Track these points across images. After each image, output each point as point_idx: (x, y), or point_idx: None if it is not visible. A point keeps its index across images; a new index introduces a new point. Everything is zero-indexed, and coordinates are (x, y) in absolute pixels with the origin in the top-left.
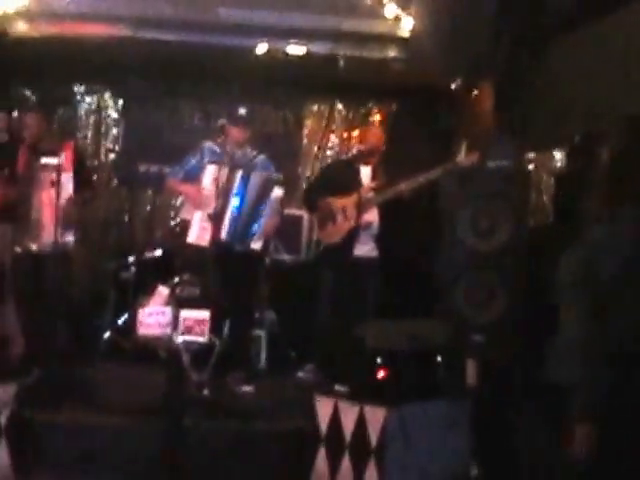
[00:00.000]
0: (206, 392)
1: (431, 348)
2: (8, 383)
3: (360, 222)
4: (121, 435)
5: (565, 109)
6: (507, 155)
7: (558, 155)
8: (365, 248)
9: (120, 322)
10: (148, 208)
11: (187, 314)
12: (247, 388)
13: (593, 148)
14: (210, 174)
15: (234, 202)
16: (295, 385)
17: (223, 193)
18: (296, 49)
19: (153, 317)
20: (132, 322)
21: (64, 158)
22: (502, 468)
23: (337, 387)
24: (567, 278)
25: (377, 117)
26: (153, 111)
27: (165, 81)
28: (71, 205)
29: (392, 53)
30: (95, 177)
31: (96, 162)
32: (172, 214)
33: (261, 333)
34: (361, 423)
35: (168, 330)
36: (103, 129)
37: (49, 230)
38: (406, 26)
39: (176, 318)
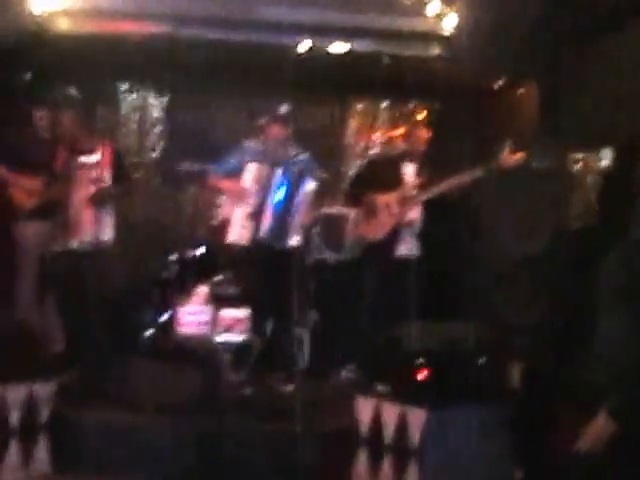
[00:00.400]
0: (246, 391)
1: (473, 350)
2: (48, 381)
3: (403, 219)
4: (159, 434)
5: (612, 108)
6: (551, 155)
7: (605, 155)
8: (407, 247)
9: (160, 321)
10: (190, 206)
11: (226, 313)
12: (287, 388)
13: None
14: (251, 173)
15: (274, 201)
16: (336, 385)
17: (263, 192)
18: (339, 47)
19: (193, 316)
20: (172, 321)
21: (102, 157)
22: (545, 472)
23: (378, 387)
24: (609, 280)
25: (421, 115)
26: (196, 109)
27: (207, 79)
28: (108, 200)
29: (435, 51)
30: (137, 175)
31: (138, 160)
32: (214, 213)
33: (303, 332)
34: (402, 424)
35: (207, 329)
36: (146, 127)
37: (88, 228)
38: (449, 24)
39: (216, 317)
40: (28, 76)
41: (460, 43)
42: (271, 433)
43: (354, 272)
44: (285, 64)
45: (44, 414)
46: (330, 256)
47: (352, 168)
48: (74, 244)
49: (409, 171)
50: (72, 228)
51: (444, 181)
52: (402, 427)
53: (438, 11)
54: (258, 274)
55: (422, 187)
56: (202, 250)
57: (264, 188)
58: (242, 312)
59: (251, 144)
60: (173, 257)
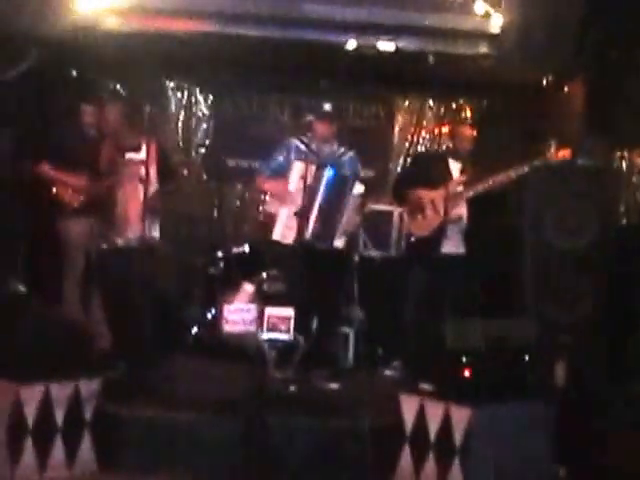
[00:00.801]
0: (292, 389)
1: (517, 348)
2: (94, 378)
3: (449, 216)
4: (204, 432)
5: None
6: (597, 153)
7: None
8: (453, 244)
9: (206, 318)
10: (237, 203)
11: (272, 311)
12: (332, 385)
13: None
14: (297, 171)
15: (320, 201)
16: (381, 383)
17: (309, 191)
18: (386, 45)
19: (238, 314)
20: (218, 318)
21: (148, 154)
22: (589, 471)
23: (422, 385)
24: None
25: (468, 113)
26: (242, 107)
27: (254, 77)
28: (155, 198)
29: (482, 49)
30: (185, 172)
31: (185, 157)
32: (260, 209)
33: (349, 330)
34: (446, 422)
35: (253, 327)
36: (193, 124)
37: (135, 225)
38: (496, 22)
39: (261, 315)
40: (75, 73)
41: (507, 41)
42: (316, 431)
43: (399, 269)
44: (332, 62)
45: (89, 412)
46: (376, 253)
47: (398, 165)
48: (120, 241)
49: (455, 169)
50: (118, 225)
51: (491, 177)
52: (446, 425)
53: (485, 9)
54: (303, 272)
55: (468, 184)
56: (248, 247)
57: (310, 187)
58: (287, 310)
59: (296, 142)
60: (219, 254)
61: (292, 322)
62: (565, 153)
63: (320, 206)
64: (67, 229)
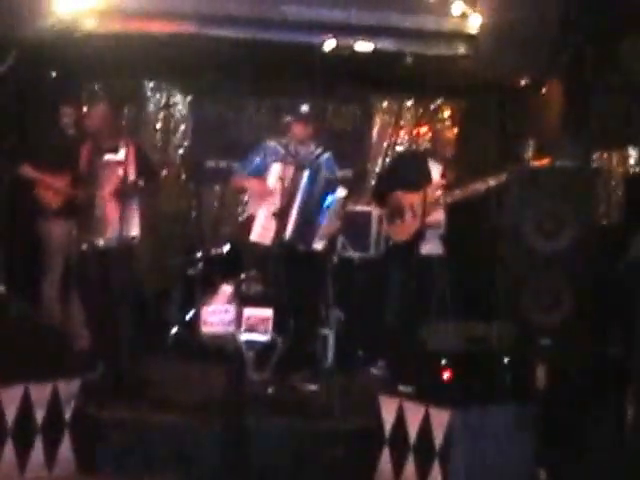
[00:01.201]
0: (270, 390)
1: (497, 350)
2: (73, 378)
3: (427, 221)
4: (183, 433)
5: (637, 107)
6: (575, 155)
7: (631, 154)
8: (431, 246)
9: (185, 319)
10: (215, 204)
11: (250, 312)
12: (312, 387)
13: None
14: (275, 173)
15: (299, 201)
16: (360, 384)
17: (288, 192)
18: (363, 46)
19: (216, 315)
20: (196, 319)
21: (127, 154)
22: (569, 473)
23: (401, 387)
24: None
25: (446, 114)
26: (221, 108)
27: (232, 78)
28: (134, 199)
29: (460, 50)
30: (164, 173)
31: (164, 158)
32: (239, 210)
33: (328, 332)
34: (426, 424)
35: (231, 328)
36: (171, 125)
37: (113, 226)
38: (473, 23)
39: (239, 316)
40: (54, 75)
41: (484, 42)
42: (295, 432)
43: (379, 271)
44: (310, 63)
45: (68, 412)
46: (355, 254)
47: (377, 166)
48: (100, 242)
49: (435, 171)
50: (98, 226)
51: (469, 185)
52: (426, 427)
53: (463, 10)
54: (282, 273)
55: (447, 188)
56: (226, 248)
57: (288, 188)
58: (266, 311)
59: (272, 144)
60: (198, 255)
61: (271, 323)
62: (544, 161)
63: (299, 207)
64: (47, 230)
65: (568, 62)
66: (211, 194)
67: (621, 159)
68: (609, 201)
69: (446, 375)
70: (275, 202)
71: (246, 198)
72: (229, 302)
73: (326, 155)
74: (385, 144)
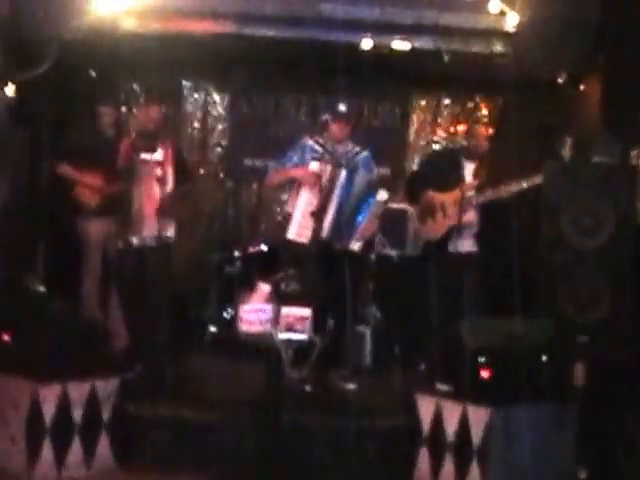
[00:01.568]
0: (308, 389)
1: (535, 348)
2: (111, 377)
3: (459, 221)
4: (220, 431)
5: None
6: (613, 151)
7: None
8: (465, 243)
9: (223, 318)
10: (253, 202)
11: (288, 311)
12: (349, 385)
13: None
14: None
15: (336, 200)
16: (398, 382)
17: (326, 191)
18: (401, 44)
19: (254, 314)
20: (234, 318)
21: (165, 154)
22: (609, 472)
23: (439, 386)
24: None
25: (483, 112)
26: (258, 107)
27: (270, 77)
28: (170, 199)
29: (497, 48)
30: (201, 171)
31: (202, 157)
32: (277, 209)
33: (365, 330)
34: (464, 423)
35: (269, 327)
36: (210, 124)
37: (150, 224)
38: (511, 21)
39: (277, 315)
40: (93, 74)
41: (522, 39)
42: (333, 431)
43: (416, 268)
44: (348, 61)
45: (106, 411)
46: (392, 252)
47: (414, 164)
48: (137, 240)
49: (468, 169)
50: (135, 224)
51: (503, 185)
52: (464, 426)
53: (500, 7)
54: (319, 272)
55: (480, 188)
56: (264, 247)
57: (326, 187)
58: (304, 310)
59: (310, 142)
60: (236, 253)
61: (309, 322)
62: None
63: (336, 206)
64: (85, 229)
65: (605, 58)
66: (249, 192)
67: None
68: None
69: (484, 373)
70: (314, 201)
71: (284, 197)
72: (267, 301)
73: (364, 153)
74: (423, 142)
